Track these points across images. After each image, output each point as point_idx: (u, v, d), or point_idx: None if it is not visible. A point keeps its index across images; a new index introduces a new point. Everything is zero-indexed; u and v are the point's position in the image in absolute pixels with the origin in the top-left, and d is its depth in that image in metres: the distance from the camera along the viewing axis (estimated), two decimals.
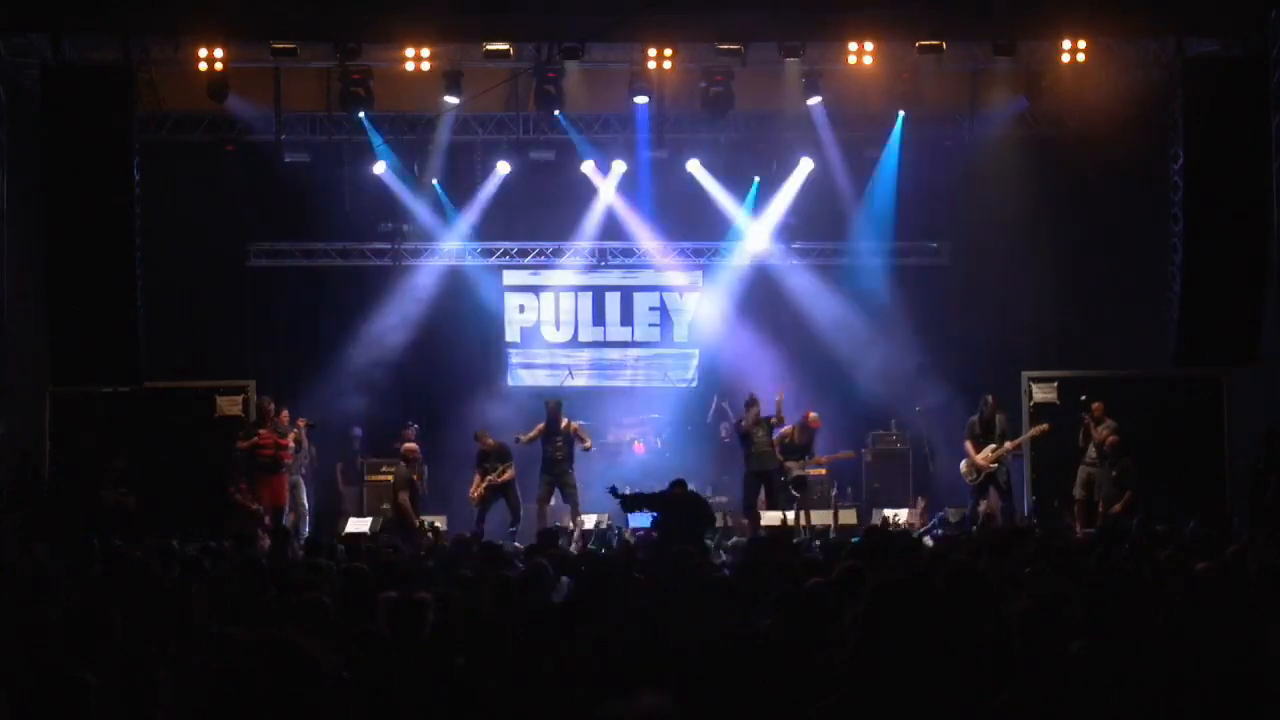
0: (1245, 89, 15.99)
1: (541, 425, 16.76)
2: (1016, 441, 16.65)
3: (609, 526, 16.21)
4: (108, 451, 16.35)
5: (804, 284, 19.50)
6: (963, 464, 16.65)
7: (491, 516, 16.59)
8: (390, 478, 17.73)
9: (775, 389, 17.03)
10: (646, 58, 16.46)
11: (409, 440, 18.30)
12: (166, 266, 17.24)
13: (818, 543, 13.40)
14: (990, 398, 16.73)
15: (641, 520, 15.76)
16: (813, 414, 17.07)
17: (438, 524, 16.45)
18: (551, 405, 16.85)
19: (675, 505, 13.33)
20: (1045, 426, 16.67)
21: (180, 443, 16.83)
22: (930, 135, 18.31)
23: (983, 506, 16.03)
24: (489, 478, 16.55)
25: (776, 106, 18.11)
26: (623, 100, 17.53)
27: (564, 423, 16.72)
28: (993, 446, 16.42)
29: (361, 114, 17.41)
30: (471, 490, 16.81)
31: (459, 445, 17.90)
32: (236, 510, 16.03)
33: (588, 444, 16.83)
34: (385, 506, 17.27)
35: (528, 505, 16.68)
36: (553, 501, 16.67)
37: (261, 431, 16.48)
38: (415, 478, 16.57)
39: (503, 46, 16.46)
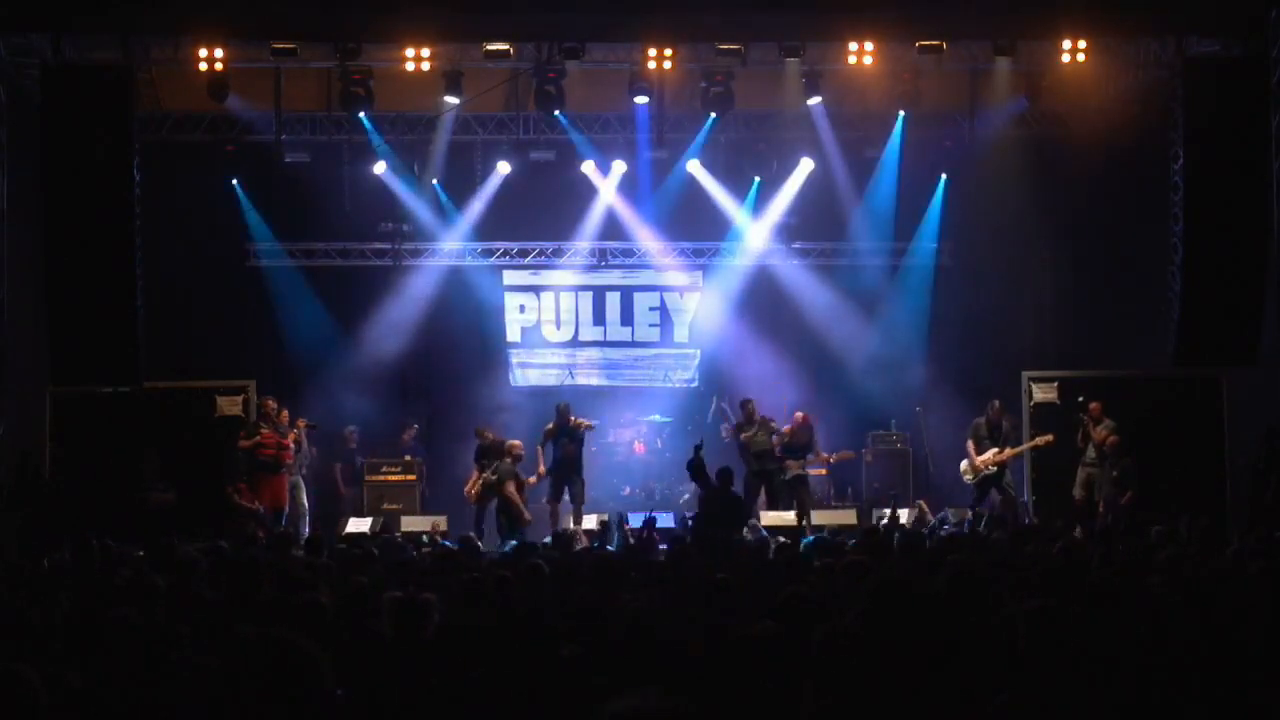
0: (1245, 89, 15.99)
1: (551, 426, 16.75)
2: (1018, 449, 16.68)
3: (610, 525, 16.16)
4: (114, 451, 16.41)
5: (804, 284, 19.51)
6: (963, 464, 16.69)
7: (490, 517, 16.56)
8: (391, 478, 17.73)
9: (789, 406, 17.20)
10: (646, 58, 16.46)
11: (408, 440, 18.28)
12: (166, 266, 17.24)
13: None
14: (998, 402, 16.80)
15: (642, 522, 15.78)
16: (799, 414, 17.15)
17: (438, 524, 16.44)
18: (561, 408, 16.88)
19: (717, 501, 13.42)
20: (1050, 438, 16.61)
21: (180, 443, 16.85)
22: (930, 135, 18.31)
23: (981, 508, 16.03)
24: (484, 475, 16.53)
25: (776, 106, 18.11)
26: (623, 100, 17.52)
27: (572, 421, 16.75)
28: (994, 450, 16.46)
29: (361, 114, 17.41)
30: (467, 488, 16.77)
31: (460, 445, 17.89)
32: (236, 510, 16.05)
33: (587, 424, 16.94)
34: (386, 506, 17.26)
35: (537, 506, 16.61)
36: (562, 499, 16.65)
37: (263, 431, 16.51)
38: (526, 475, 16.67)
39: (503, 46, 16.45)
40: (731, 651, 6.05)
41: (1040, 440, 16.65)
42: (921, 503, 16.72)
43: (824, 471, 17.91)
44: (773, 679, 5.89)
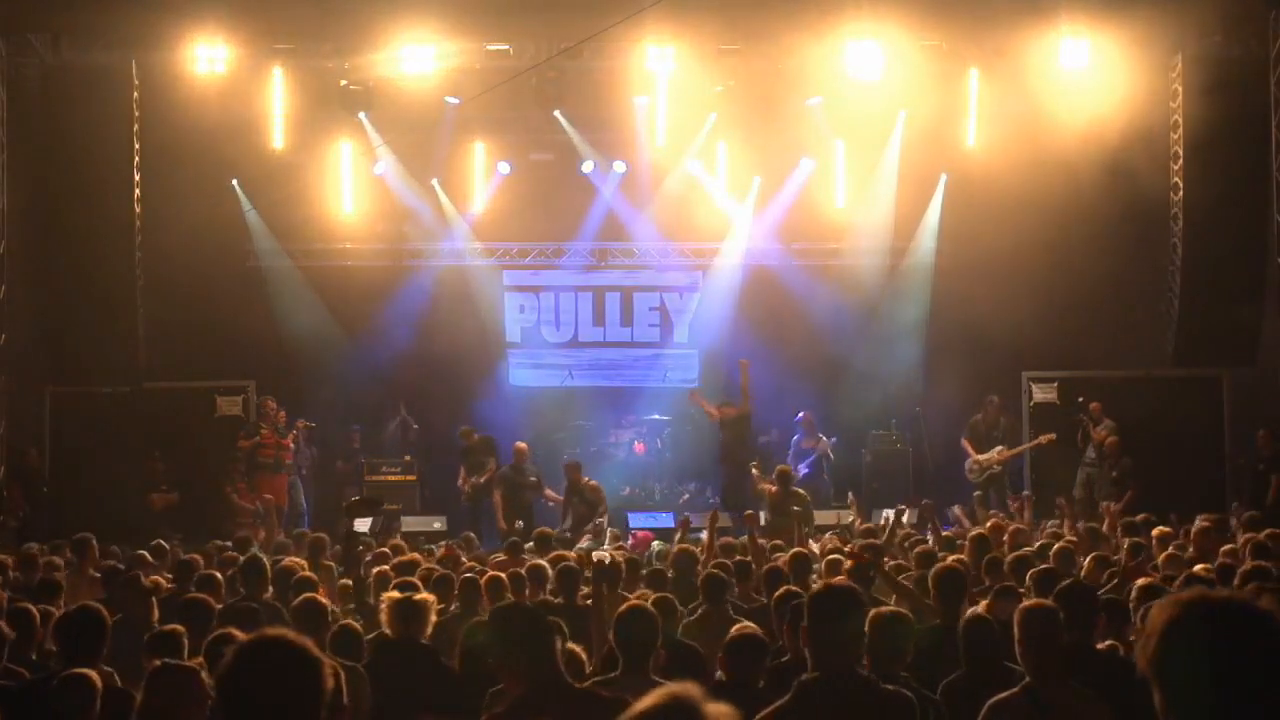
0: (1245, 89, 16.00)
1: (566, 488, 16.28)
2: (1018, 449, 16.73)
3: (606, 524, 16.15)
4: (114, 451, 16.43)
5: (804, 284, 19.49)
6: (967, 463, 16.73)
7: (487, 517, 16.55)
8: (391, 478, 17.72)
9: (789, 407, 17.31)
10: (647, 58, 16.47)
11: (354, 443, 18.24)
12: (166, 266, 17.22)
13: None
14: (996, 399, 16.83)
15: (643, 522, 15.78)
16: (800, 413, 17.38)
17: (436, 525, 16.45)
18: (569, 466, 16.32)
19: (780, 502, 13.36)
20: (1051, 436, 16.63)
21: (180, 443, 16.86)
22: (931, 135, 18.29)
23: (989, 517, 16.01)
24: (472, 478, 16.53)
25: (776, 106, 18.08)
26: (623, 100, 17.51)
27: (583, 481, 16.12)
28: (999, 449, 16.54)
29: (361, 114, 17.40)
30: (460, 483, 16.78)
31: (458, 446, 17.88)
32: (235, 510, 16.07)
33: (599, 512, 15.91)
34: (386, 506, 17.24)
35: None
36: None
37: (263, 431, 16.53)
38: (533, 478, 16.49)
39: (503, 46, 16.46)
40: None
41: (1043, 439, 16.68)
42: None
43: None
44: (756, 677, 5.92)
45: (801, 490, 14.10)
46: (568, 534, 15.18)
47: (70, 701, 5.41)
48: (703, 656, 6.82)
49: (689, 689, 2.46)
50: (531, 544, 12.25)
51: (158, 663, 5.04)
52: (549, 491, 16.76)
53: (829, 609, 4.43)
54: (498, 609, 5.78)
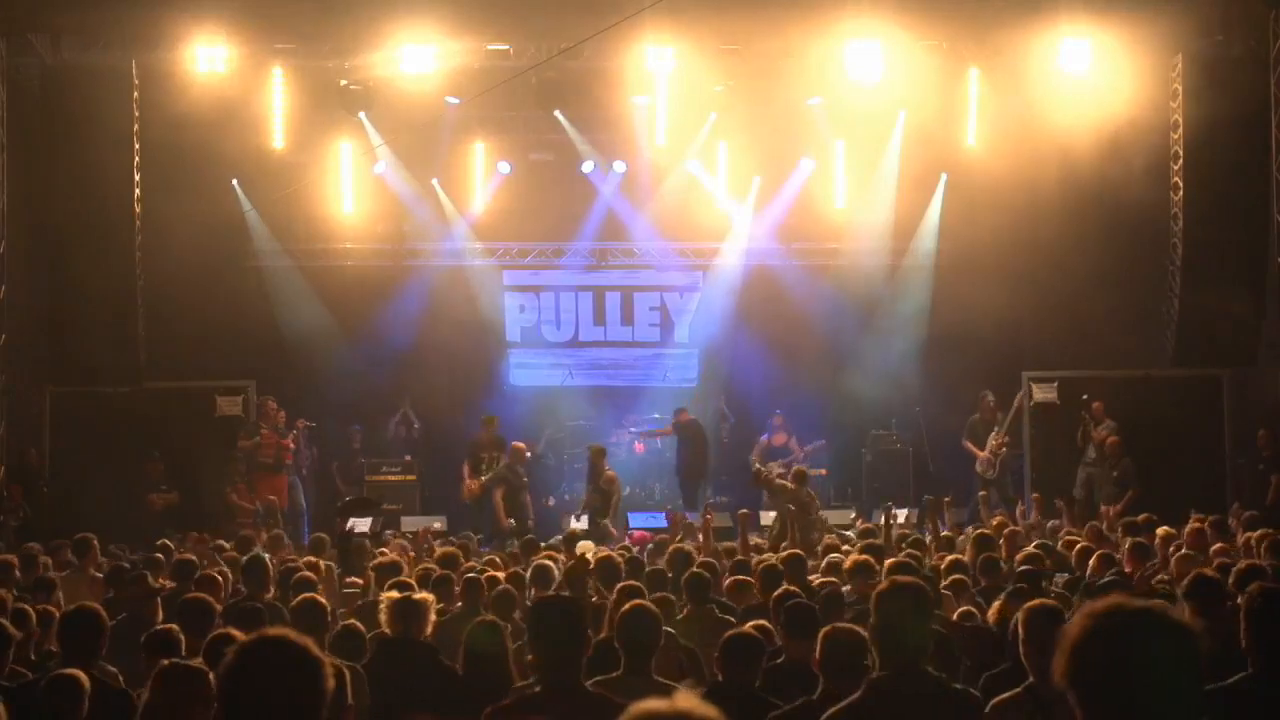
0: (1245, 89, 16.00)
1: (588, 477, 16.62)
2: (1009, 416, 17.05)
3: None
4: (114, 451, 16.43)
5: (804, 284, 19.48)
6: (978, 464, 16.84)
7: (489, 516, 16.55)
8: (391, 478, 17.72)
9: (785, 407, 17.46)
10: (647, 58, 16.47)
11: (354, 443, 18.24)
12: (166, 266, 17.21)
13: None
14: (991, 396, 16.86)
15: (642, 521, 15.78)
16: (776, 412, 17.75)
17: (436, 525, 16.43)
18: (595, 452, 16.58)
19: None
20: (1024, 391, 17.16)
21: (180, 443, 16.86)
22: (931, 135, 18.28)
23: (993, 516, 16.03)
24: (483, 478, 16.50)
25: (776, 106, 18.08)
26: (623, 100, 17.51)
27: (604, 469, 16.38)
28: (995, 431, 16.68)
29: (361, 114, 17.39)
30: (467, 482, 16.74)
31: (458, 445, 17.89)
32: (235, 510, 16.07)
33: (612, 503, 16.22)
34: (386, 506, 17.24)
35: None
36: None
37: (264, 431, 16.53)
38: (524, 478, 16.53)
39: (503, 46, 16.46)
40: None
41: (1018, 395, 17.14)
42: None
43: (824, 471, 17.91)
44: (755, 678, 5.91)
45: (812, 493, 14.09)
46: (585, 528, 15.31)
47: (57, 702, 5.40)
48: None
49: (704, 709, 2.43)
50: (559, 538, 12.38)
51: (166, 663, 5.03)
52: (525, 498, 16.86)
53: (895, 607, 4.46)
54: (540, 601, 5.75)
